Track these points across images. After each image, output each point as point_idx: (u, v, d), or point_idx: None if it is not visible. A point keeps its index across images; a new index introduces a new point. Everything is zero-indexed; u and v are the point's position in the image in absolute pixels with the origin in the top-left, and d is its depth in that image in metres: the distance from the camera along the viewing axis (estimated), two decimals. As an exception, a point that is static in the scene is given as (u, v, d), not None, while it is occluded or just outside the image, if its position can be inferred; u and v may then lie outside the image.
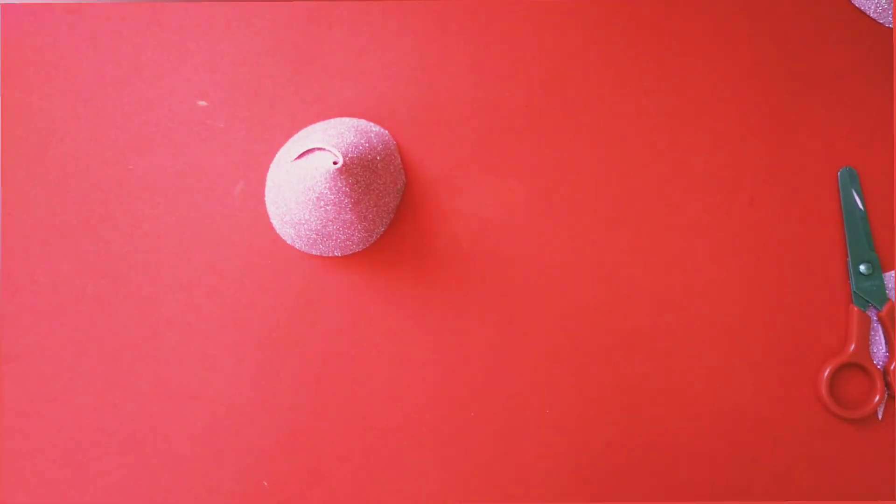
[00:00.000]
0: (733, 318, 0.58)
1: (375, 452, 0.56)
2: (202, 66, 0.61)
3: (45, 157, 0.60)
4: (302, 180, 0.54)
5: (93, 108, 0.60)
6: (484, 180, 0.60)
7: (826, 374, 0.56)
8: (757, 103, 0.60)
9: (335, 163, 0.53)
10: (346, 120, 0.59)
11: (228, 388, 0.57)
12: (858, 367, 0.57)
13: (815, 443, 0.57)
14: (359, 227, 0.56)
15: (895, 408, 0.57)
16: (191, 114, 0.60)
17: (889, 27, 0.61)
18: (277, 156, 0.59)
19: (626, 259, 0.59)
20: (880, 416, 0.57)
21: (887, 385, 0.56)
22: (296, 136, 0.59)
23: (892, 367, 0.56)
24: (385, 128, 0.60)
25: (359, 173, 0.54)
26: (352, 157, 0.54)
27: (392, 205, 0.58)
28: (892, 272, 0.58)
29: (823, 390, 0.56)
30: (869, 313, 0.57)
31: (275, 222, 0.58)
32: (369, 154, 0.56)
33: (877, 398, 0.56)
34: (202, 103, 0.60)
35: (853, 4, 0.62)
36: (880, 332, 0.58)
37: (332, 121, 0.59)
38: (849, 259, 0.58)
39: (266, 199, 0.59)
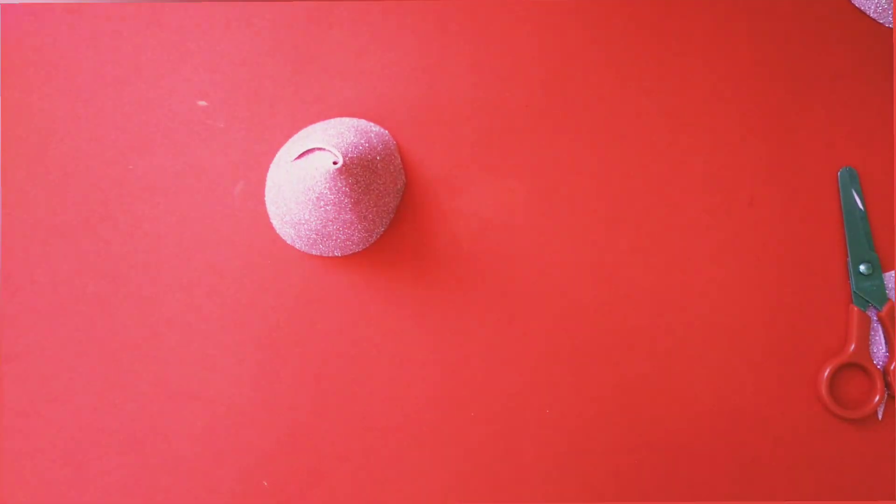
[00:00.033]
0: (733, 318, 0.58)
1: (375, 452, 0.56)
2: (202, 66, 0.61)
3: (45, 157, 0.60)
4: (302, 180, 0.54)
5: (93, 108, 0.60)
6: (484, 180, 0.60)
7: (826, 374, 0.56)
8: (757, 103, 0.60)
9: (335, 163, 0.53)
10: (346, 120, 0.59)
11: (228, 388, 0.57)
12: (858, 367, 0.57)
13: (815, 443, 0.57)
14: (359, 227, 0.56)
15: (895, 408, 0.57)
16: (191, 114, 0.60)
17: (889, 27, 0.61)
18: (277, 156, 0.59)
19: (626, 259, 0.59)
20: (880, 416, 0.57)
21: (887, 385, 0.56)
22: (296, 136, 0.59)
23: (892, 367, 0.56)
24: (385, 128, 0.60)
25: (359, 173, 0.54)
26: (352, 157, 0.54)
27: (392, 205, 0.58)
28: (892, 272, 0.58)
29: (823, 390, 0.56)
30: (869, 313, 0.58)
31: (275, 222, 0.58)
32: (369, 154, 0.56)
33: (877, 398, 0.56)
34: (202, 103, 0.60)
35: (853, 4, 0.62)
36: (880, 332, 0.58)
37: (332, 121, 0.59)
38: (849, 259, 0.58)
39: (266, 199, 0.59)
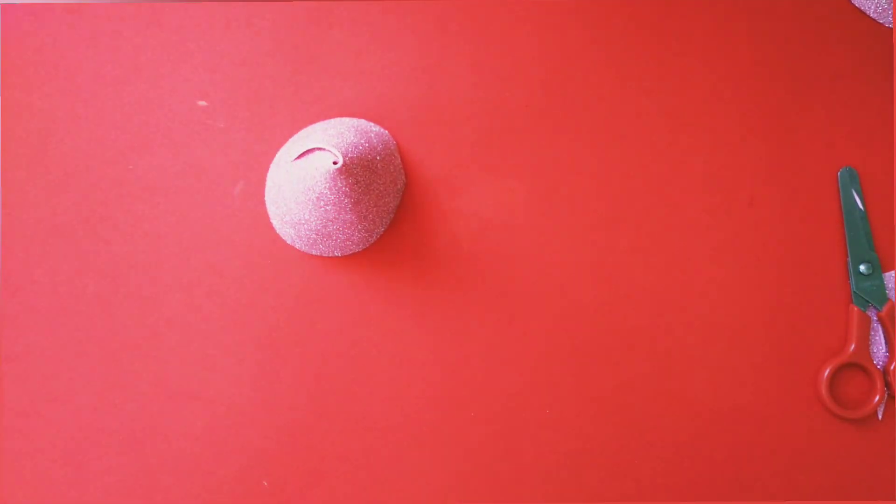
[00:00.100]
0: (733, 318, 0.58)
1: (375, 452, 0.56)
2: (202, 66, 0.61)
3: (45, 157, 0.60)
4: (302, 180, 0.54)
5: (93, 108, 0.60)
6: (484, 180, 0.60)
7: (826, 374, 0.56)
8: (757, 103, 0.60)
9: (335, 163, 0.53)
10: (346, 120, 0.59)
11: (228, 388, 0.57)
12: (858, 367, 0.57)
13: (815, 443, 0.57)
14: (359, 227, 0.56)
15: (895, 408, 0.57)
16: (191, 114, 0.60)
17: (889, 27, 0.61)
18: (277, 156, 0.59)
19: (626, 259, 0.59)
20: (880, 416, 0.57)
21: (887, 385, 0.56)
22: (296, 136, 0.59)
23: (892, 367, 0.56)
24: (385, 128, 0.60)
25: (359, 173, 0.54)
26: (352, 157, 0.54)
27: (392, 205, 0.58)
28: (892, 272, 0.58)
29: (823, 390, 0.56)
30: (869, 313, 0.58)
31: (275, 222, 0.58)
32: (369, 154, 0.56)
33: (877, 398, 0.56)
34: (202, 103, 0.60)
35: (853, 4, 0.62)
36: (880, 332, 0.58)
37: (332, 121, 0.59)
38: (849, 259, 0.58)
39: (266, 199, 0.59)
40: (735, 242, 0.59)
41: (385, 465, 0.56)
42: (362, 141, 0.56)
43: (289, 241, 0.58)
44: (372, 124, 0.59)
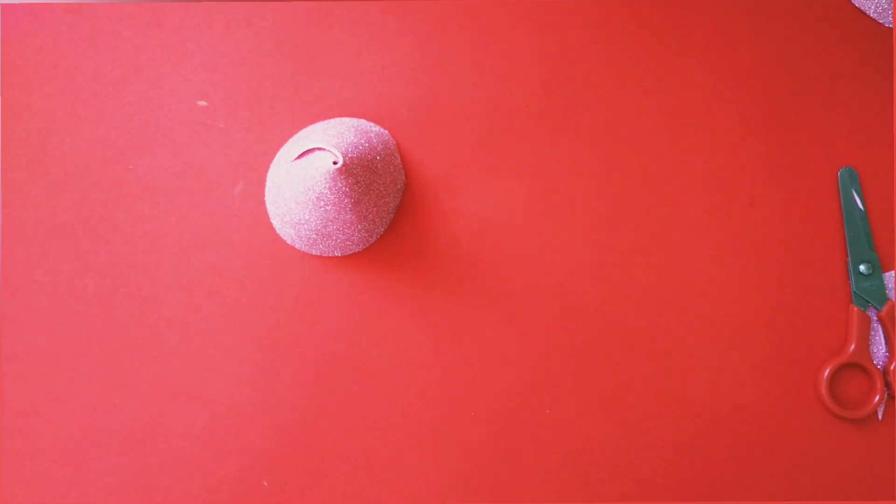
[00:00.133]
0: (733, 318, 0.58)
1: (375, 452, 0.56)
2: (202, 66, 0.61)
3: (45, 157, 0.60)
4: (302, 180, 0.54)
5: (93, 108, 0.60)
6: (484, 180, 0.60)
7: (826, 374, 0.56)
8: (757, 103, 0.60)
9: (335, 163, 0.53)
10: (346, 120, 0.59)
11: (228, 388, 0.57)
12: (858, 367, 0.57)
13: (815, 443, 0.57)
14: (359, 227, 0.56)
15: (895, 408, 0.57)
16: (191, 114, 0.60)
17: (889, 27, 0.61)
18: (277, 156, 0.59)
19: (626, 259, 0.59)
20: (880, 416, 0.57)
21: (887, 385, 0.56)
22: (296, 136, 0.59)
23: (892, 367, 0.56)
24: (385, 128, 0.60)
25: (359, 173, 0.54)
26: (352, 157, 0.54)
27: (392, 205, 0.58)
28: (892, 272, 0.58)
29: (823, 390, 0.56)
30: (869, 313, 0.58)
31: (275, 222, 0.58)
32: (369, 154, 0.56)
33: (877, 398, 0.56)
34: (202, 103, 0.60)
35: (853, 4, 0.62)
36: (880, 332, 0.58)
37: (332, 121, 0.59)
38: (849, 259, 0.58)
39: (266, 199, 0.59)
40: (735, 242, 0.59)
41: (385, 465, 0.56)
42: (362, 141, 0.56)
43: (289, 241, 0.58)
44: (372, 124, 0.59)
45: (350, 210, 0.55)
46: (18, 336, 0.58)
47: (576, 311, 0.58)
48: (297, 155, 0.55)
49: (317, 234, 0.56)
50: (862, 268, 0.58)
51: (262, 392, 0.57)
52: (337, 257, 0.59)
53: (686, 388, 0.57)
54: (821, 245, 0.59)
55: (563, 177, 0.60)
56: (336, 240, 0.57)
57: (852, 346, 0.57)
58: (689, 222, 0.59)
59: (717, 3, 0.62)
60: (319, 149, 0.54)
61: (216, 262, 0.58)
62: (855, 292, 0.58)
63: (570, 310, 0.58)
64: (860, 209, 0.59)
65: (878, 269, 0.58)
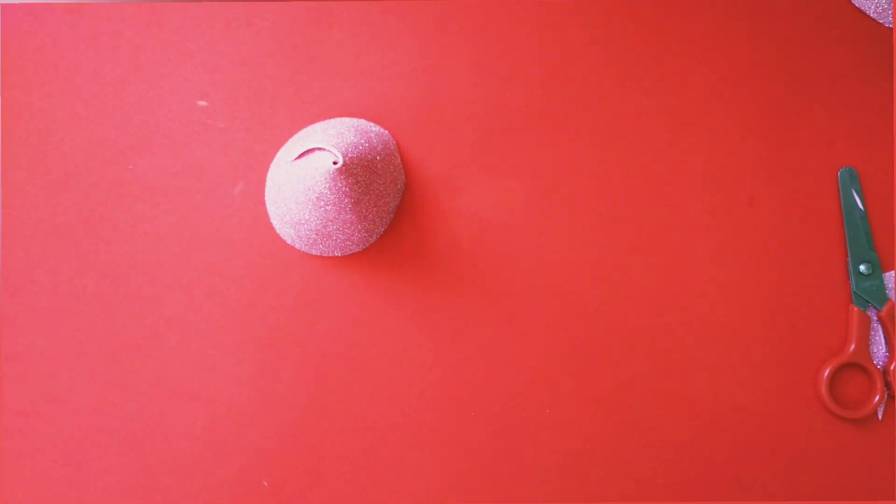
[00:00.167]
0: (733, 318, 0.58)
1: (375, 452, 0.56)
2: (202, 66, 0.61)
3: (45, 157, 0.60)
4: (302, 180, 0.54)
5: (93, 108, 0.60)
6: (484, 180, 0.60)
7: (826, 374, 0.56)
8: (757, 103, 0.60)
9: (335, 163, 0.53)
10: (346, 120, 0.59)
11: (228, 388, 0.57)
12: (858, 367, 0.57)
13: (815, 443, 0.57)
14: (359, 227, 0.56)
15: (895, 408, 0.57)
16: (191, 114, 0.60)
17: (889, 27, 0.61)
18: (277, 156, 0.59)
19: (626, 259, 0.59)
20: (880, 416, 0.57)
21: (887, 385, 0.56)
22: (296, 136, 0.59)
23: (892, 367, 0.56)
24: (385, 128, 0.60)
25: (359, 173, 0.54)
26: (352, 157, 0.54)
27: (392, 205, 0.58)
28: (892, 272, 0.58)
29: (823, 390, 0.56)
30: (869, 313, 0.58)
31: (275, 222, 0.58)
32: (369, 154, 0.56)
33: (877, 398, 0.56)
34: (202, 103, 0.60)
35: (853, 4, 0.62)
36: (880, 332, 0.58)
37: (332, 121, 0.59)
38: (849, 259, 0.58)
39: (266, 199, 0.59)
40: (735, 242, 0.59)
41: (385, 465, 0.56)
42: (362, 141, 0.56)
43: (289, 241, 0.58)
44: (372, 124, 0.59)
45: (350, 210, 0.55)
46: (18, 336, 0.58)
47: (576, 311, 0.58)
48: (297, 155, 0.55)
49: (317, 234, 0.56)
50: (862, 268, 0.58)
51: (262, 392, 0.57)
52: (337, 257, 0.59)
53: (686, 388, 0.57)
54: (821, 245, 0.59)
55: (563, 177, 0.60)
56: (336, 240, 0.57)
57: (852, 346, 0.57)
58: (689, 222, 0.59)
59: (717, 3, 0.62)
60: (319, 149, 0.54)
61: (216, 262, 0.58)
62: (855, 292, 0.58)
63: (570, 310, 0.58)
64: (860, 209, 0.59)
65: (878, 269, 0.58)
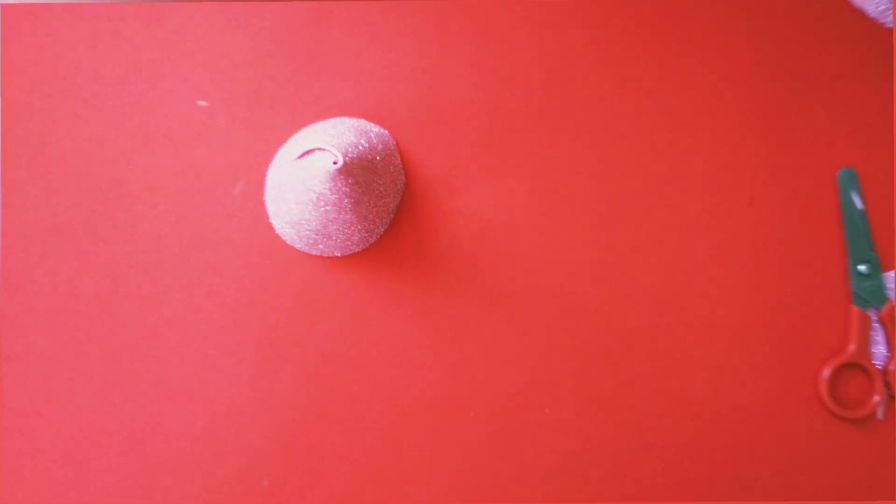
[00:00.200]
0: (733, 318, 0.58)
1: (375, 452, 0.56)
2: (202, 66, 0.61)
3: (45, 157, 0.60)
4: (302, 180, 0.54)
5: (93, 108, 0.60)
6: (484, 180, 0.60)
7: (826, 374, 0.56)
8: (757, 103, 0.60)
9: (335, 163, 0.53)
10: (346, 120, 0.59)
11: (228, 388, 0.57)
12: (858, 367, 0.57)
13: (815, 443, 0.57)
14: (359, 227, 0.56)
15: (895, 408, 0.57)
16: (191, 114, 0.60)
17: (889, 27, 0.61)
18: (277, 156, 0.59)
19: (626, 259, 0.59)
20: (880, 416, 0.57)
21: (887, 385, 0.56)
22: (296, 136, 0.59)
23: (891, 367, 0.56)
24: (385, 128, 0.60)
25: (359, 173, 0.54)
26: (352, 157, 0.54)
27: (392, 205, 0.58)
28: (892, 272, 0.58)
29: (823, 390, 0.56)
30: (869, 313, 0.58)
31: (275, 222, 0.58)
32: (369, 154, 0.56)
33: (877, 398, 0.56)
34: (202, 103, 0.60)
35: (853, 4, 0.62)
36: (880, 332, 0.58)
37: (332, 121, 0.59)
38: (849, 259, 0.58)
39: (266, 199, 0.59)
40: (735, 242, 0.59)
41: (385, 465, 0.56)
42: (362, 141, 0.56)
43: (289, 241, 0.58)
44: (372, 124, 0.59)
45: (350, 210, 0.55)
46: (18, 336, 0.58)
47: (576, 311, 0.58)
48: (297, 155, 0.55)
49: (317, 234, 0.56)
50: (862, 268, 0.58)
51: (262, 392, 0.57)
52: (337, 257, 0.59)
53: (686, 388, 0.57)
54: (821, 245, 0.59)
55: (563, 177, 0.60)
56: (336, 240, 0.57)
57: (852, 346, 0.57)
58: (689, 222, 0.59)
59: (717, 3, 0.62)
60: (319, 149, 0.54)
61: (216, 262, 0.58)
62: (855, 292, 0.58)
63: (570, 310, 0.58)
64: (859, 209, 0.59)
65: (877, 269, 0.58)
